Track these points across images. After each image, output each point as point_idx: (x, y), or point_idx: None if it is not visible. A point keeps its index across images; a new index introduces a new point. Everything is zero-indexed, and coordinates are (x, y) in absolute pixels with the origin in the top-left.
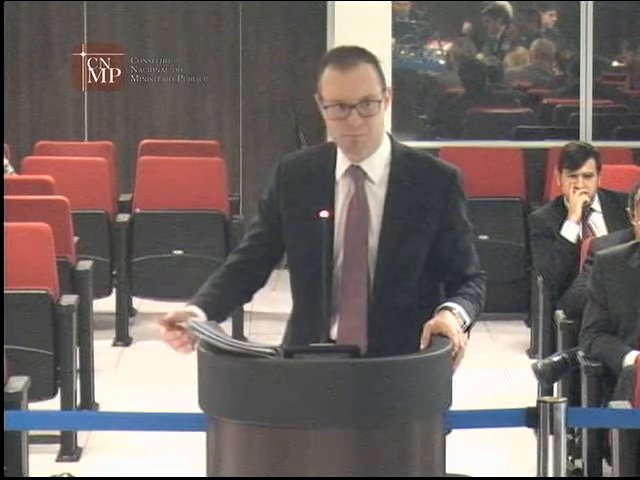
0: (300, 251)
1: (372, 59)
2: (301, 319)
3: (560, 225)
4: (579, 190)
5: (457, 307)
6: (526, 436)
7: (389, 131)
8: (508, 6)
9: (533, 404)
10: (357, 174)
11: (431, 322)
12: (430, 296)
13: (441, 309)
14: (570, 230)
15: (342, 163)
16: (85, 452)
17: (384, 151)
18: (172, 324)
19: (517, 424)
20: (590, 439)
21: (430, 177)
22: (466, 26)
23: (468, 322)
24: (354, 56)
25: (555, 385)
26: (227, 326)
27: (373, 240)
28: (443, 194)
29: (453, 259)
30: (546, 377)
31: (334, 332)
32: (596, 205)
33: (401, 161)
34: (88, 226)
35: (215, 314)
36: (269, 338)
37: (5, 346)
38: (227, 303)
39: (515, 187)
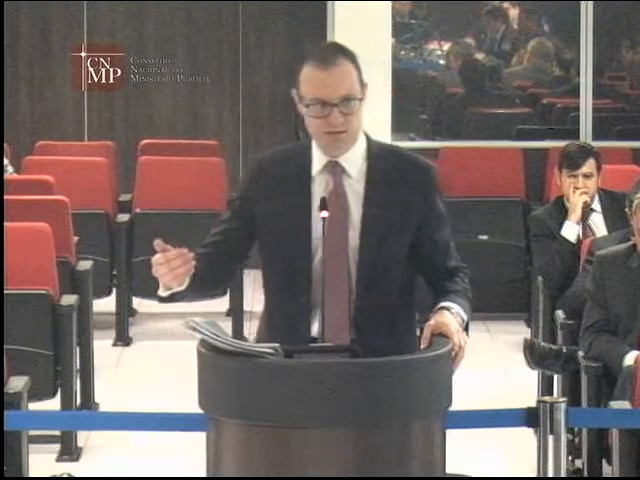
0: (277, 248)
1: (351, 57)
2: (277, 316)
3: (560, 225)
4: (579, 190)
5: (455, 306)
6: (526, 436)
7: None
8: (508, 6)
9: (533, 404)
10: (335, 169)
11: (431, 322)
12: (409, 290)
13: (439, 309)
14: (570, 230)
15: (319, 159)
16: (85, 452)
17: (360, 146)
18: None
19: (517, 424)
20: (590, 439)
21: (408, 174)
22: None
23: (466, 320)
24: (334, 54)
25: (555, 385)
26: (227, 326)
27: (354, 236)
28: (422, 191)
29: (433, 253)
30: (532, 354)
31: (314, 328)
32: (596, 205)
33: (378, 156)
34: (88, 226)
35: (197, 284)
36: None
37: (5, 346)
38: (204, 282)
39: (515, 187)
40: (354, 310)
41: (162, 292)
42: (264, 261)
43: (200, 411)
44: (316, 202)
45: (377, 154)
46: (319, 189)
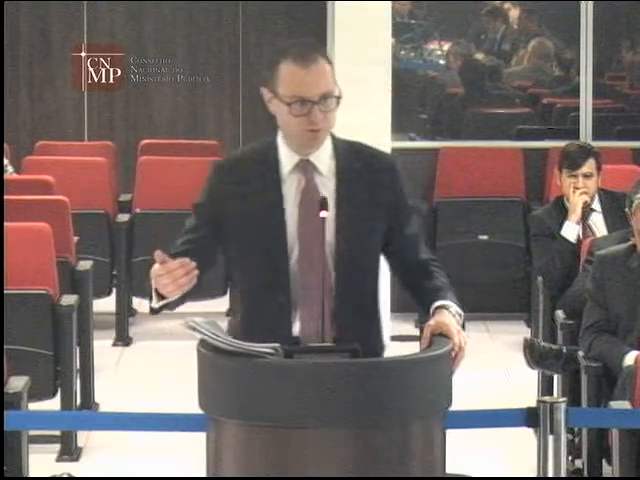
0: (252, 249)
1: (326, 55)
2: (256, 316)
3: (560, 225)
4: (579, 190)
5: (453, 305)
6: (526, 436)
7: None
8: (509, 6)
9: (533, 404)
10: (307, 167)
11: (431, 322)
12: (378, 289)
13: (437, 308)
14: (570, 230)
15: (288, 158)
16: (85, 452)
17: (327, 144)
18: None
19: (517, 424)
20: (590, 439)
21: (376, 170)
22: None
23: (463, 316)
24: (312, 52)
25: (555, 385)
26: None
27: (329, 233)
28: (391, 187)
29: (405, 247)
30: (532, 354)
31: (295, 328)
32: (596, 205)
33: (344, 152)
34: (88, 226)
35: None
36: None
37: (5, 346)
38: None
39: (515, 187)
40: (335, 308)
41: (155, 304)
42: (237, 263)
43: (200, 411)
44: (289, 201)
45: (344, 151)
46: (291, 188)
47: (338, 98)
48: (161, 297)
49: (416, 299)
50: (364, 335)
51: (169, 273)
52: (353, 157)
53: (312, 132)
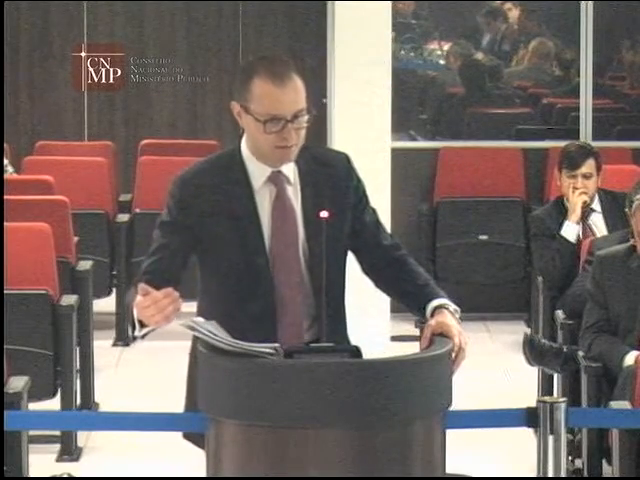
0: (233, 262)
1: (297, 69)
2: (236, 324)
3: (560, 225)
4: (578, 190)
5: (450, 303)
6: (526, 436)
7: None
8: (510, 7)
9: (533, 404)
10: (279, 179)
11: (432, 322)
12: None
13: (436, 307)
14: (570, 230)
15: (260, 171)
16: (85, 452)
17: None
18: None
19: (517, 424)
20: (590, 439)
21: (332, 170)
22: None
23: (459, 312)
24: (285, 68)
25: (555, 385)
26: None
27: (300, 239)
28: (349, 185)
29: (366, 234)
30: (532, 351)
31: (278, 329)
32: (596, 205)
33: (302, 158)
34: (88, 226)
35: None
36: None
37: (5, 346)
38: None
39: (515, 187)
40: (314, 312)
41: (139, 333)
42: (215, 274)
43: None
44: (263, 212)
45: (301, 157)
46: (264, 199)
47: (310, 114)
48: (143, 325)
49: (403, 299)
50: (341, 337)
51: (155, 304)
52: (311, 161)
53: (283, 149)
